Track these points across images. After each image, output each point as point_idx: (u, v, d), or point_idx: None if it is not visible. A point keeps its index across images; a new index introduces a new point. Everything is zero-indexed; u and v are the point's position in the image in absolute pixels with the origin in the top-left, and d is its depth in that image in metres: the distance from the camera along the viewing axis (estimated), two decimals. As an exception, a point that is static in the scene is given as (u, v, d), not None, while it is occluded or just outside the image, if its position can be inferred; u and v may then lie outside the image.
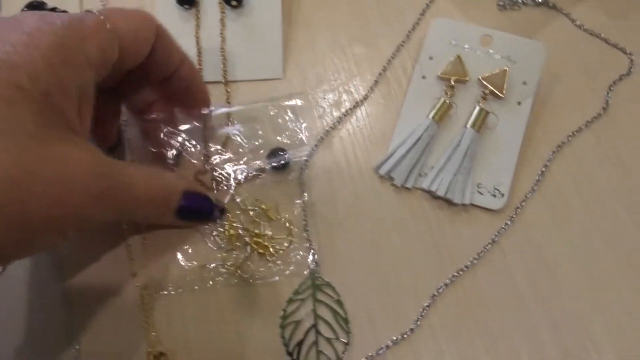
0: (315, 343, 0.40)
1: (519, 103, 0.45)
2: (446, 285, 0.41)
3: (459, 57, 0.46)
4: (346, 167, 0.45)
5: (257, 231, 0.42)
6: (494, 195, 0.43)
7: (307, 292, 0.41)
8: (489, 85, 0.45)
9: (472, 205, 0.43)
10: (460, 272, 0.41)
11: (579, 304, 0.40)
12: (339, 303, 0.41)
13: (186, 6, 0.51)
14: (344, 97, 0.48)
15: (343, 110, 0.47)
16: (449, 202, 0.43)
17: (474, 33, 0.47)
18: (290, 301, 0.41)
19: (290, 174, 0.45)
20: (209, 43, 0.50)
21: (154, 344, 0.40)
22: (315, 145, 0.46)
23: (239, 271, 0.42)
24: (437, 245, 0.42)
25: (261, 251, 0.42)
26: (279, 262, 0.42)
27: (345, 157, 0.46)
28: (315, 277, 0.42)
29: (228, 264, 0.42)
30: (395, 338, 0.40)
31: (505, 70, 0.45)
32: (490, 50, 0.46)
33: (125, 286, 0.42)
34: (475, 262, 0.41)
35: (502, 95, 0.44)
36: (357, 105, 0.47)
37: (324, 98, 0.48)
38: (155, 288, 0.42)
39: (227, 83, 0.49)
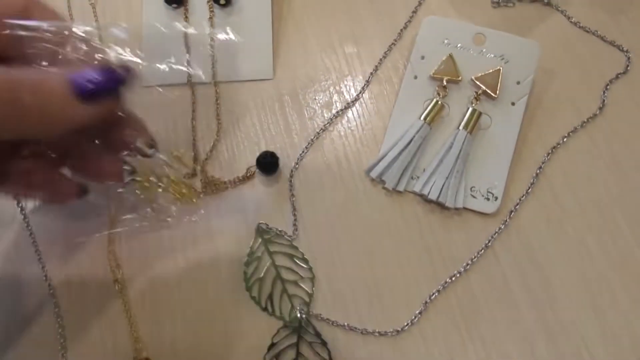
0: (284, 290, 0.41)
1: (512, 103, 0.44)
2: (438, 291, 0.40)
3: (451, 56, 0.45)
4: (337, 170, 0.44)
5: (172, 177, 0.41)
6: (487, 199, 0.42)
7: (260, 248, 0.42)
8: (482, 86, 0.44)
9: (465, 209, 0.42)
10: (453, 278, 0.40)
11: (574, 309, 0.40)
12: (292, 247, 0.42)
13: (174, 5, 0.50)
14: (335, 97, 0.47)
15: (334, 111, 0.46)
16: (442, 206, 0.42)
17: (466, 31, 0.46)
18: (247, 263, 0.41)
19: (279, 177, 0.44)
20: (197, 43, 0.49)
21: (139, 350, 0.40)
22: (306, 147, 0.45)
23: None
24: (429, 251, 0.41)
25: (178, 196, 0.41)
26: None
27: (336, 160, 0.45)
28: (263, 232, 0.42)
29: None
30: (386, 345, 0.39)
31: (498, 70, 0.44)
32: (483, 49, 0.45)
33: (110, 294, 0.41)
34: (468, 267, 0.41)
35: (496, 96, 0.44)
36: (348, 106, 0.47)
37: (315, 99, 0.47)
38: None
39: (216, 84, 0.48)
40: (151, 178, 0.40)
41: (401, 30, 0.49)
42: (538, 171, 0.43)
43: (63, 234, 0.43)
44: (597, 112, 0.45)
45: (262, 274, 0.41)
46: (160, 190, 0.40)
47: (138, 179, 0.39)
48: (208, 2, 0.50)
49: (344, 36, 0.49)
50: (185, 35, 0.49)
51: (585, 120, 0.45)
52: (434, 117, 0.43)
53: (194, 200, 0.42)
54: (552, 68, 0.47)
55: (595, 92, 0.46)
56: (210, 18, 0.50)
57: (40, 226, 0.44)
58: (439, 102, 0.44)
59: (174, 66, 0.49)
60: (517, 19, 0.49)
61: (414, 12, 0.50)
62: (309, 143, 0.45)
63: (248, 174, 0.44)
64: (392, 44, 0.49)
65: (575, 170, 0.43)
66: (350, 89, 0.47)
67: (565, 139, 0.44)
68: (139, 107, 0.46)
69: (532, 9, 0.50)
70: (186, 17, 0.50)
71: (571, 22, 0.49)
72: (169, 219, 0.41)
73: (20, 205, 0.44)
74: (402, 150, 0.42)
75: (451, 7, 0.50)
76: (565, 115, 0.45)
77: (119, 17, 0.51)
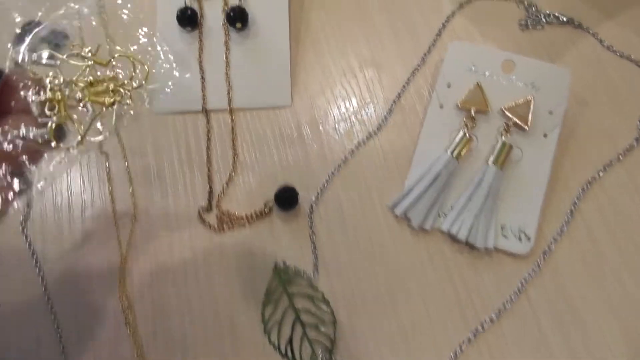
0: (304, 334, 0.39)
1: (545, 135, 0.42)
2: (469, 340, 0.38)
3: (479, 85, 0.43)
4: (359, 205, 0.42)
5: (89, 79, 0.31)
6: (520, 239, 0.40)
7: (278, 289, 0.40)
8: (512, 117, 0.42)
9: (496, 249, 0.40)
10: (484, 326, 0.38)
11: (612, 358, 0.37)
12: (312, 287, 0.40)
13: (188, 28, 0.48)
14: (357, 126, 0.45)
15: (355, 141, 0.44)
16: (470, 246, 0.40)
17: (494, 58, 0.44)
18: (265, 304, 0.39)
19: (299, 212, 0.42)
20: (212, 67, 0.47)
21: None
22: (326, 181, 0.43)
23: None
24: (458, 295, 0.39)
25: (108, 100, 0.31)
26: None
27: (358, 194, 0.43)
28: (281, 272, 0.40)
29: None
30: (413, 397, 0.37)
31: (529, 101, 0.42)
32: (513, 77, 0.43)
33: (121, 337, 0.39)
34: (500, 313, 0.38)
35: (527, 128, 0.41)
36: (370, 136, 0.44)
37: (335, 128, 0.45)
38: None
39: (232, 111, 0.46)
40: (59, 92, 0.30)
41: (424, 54, 0.47)
42: (572, 208, 0.41)
43: (72, 271, 0.41)
44: (634, 144, 0.43)
45: (281, 317, 0.39)
46: (79, 102, 0.30)
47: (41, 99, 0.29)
48: (223, 25, 0.48)
49: (364, 60, 0.47)
50: (200, 59, 0.47)
51: (621, 152, 0.42)
52: (462, 150, 0.41)
53: (129, 94, 0.32)
54: (584, 96, 0.44)
55: (631, 121, 0.44)
56: (226, 42, 0.48)
57: (49, 263, 0.42)
58: (467, 135, 0.41)
59: (187, 92, 0.47)
60: (547, 42, 0.47)
61: (438, 35, 0.48)
62: (329, 176, 0.43)
63: (266, 209, 0.42)
64: (416, 69, 0.46)
65: (612, 207, 0.41)
66: (372, 117, 0.45)
67: (600, 173, 0.42)
68: (150, 135, 0.45)
69: (562, 32, 0.47)
70: (200, 40, 0.48)
71: (604, 46, 0.46)
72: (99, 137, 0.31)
73: (27, 239, 0.42)
74: (429, 186, 0.40)
75: (476, 30, 0.48)
76: (600, 147, 0.43)
77: (131, 40, 0.49)
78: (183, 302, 0.40)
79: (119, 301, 0.40)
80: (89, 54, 0.32)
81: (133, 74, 0.32)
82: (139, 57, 0.33)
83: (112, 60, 0.32)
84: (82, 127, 0.30)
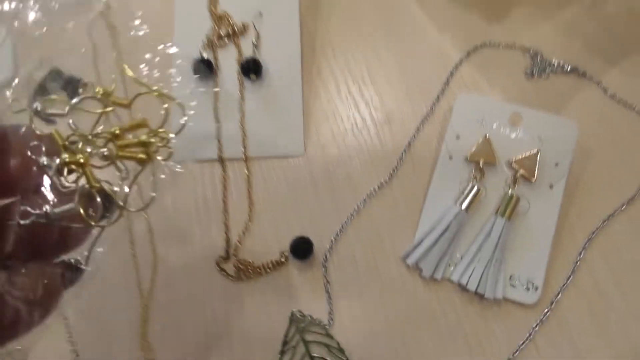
0: None
1: (550, 186, 0.43)
2: (480, 391, 0.39)
3: (487, 139, 0.44)
4: (372, 254, 0.44)
5: (115, 131, 0.25)
6: (528, 289, 0.41)
7: (295, 338, 0.41)
8: (519, 169, 0.43)
9: (505, 299, 0.41)
10: (495, 376, 0.39)
11: (621, 408, 0.38)
12: (328, 336, 0.41)
13: (203, 77, 0.49)
14: (368, 176, 0.46)
15: (367, 191, 0.46)
16: (480, 295, 0.41)
17: (502, 110, 0.45)
18: (282, 353, 0.40)
19: (313, 261, 0.44)
20: (227, 117, 0.49)
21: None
22: (339, 230, 0.44)
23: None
24: (469, 345, 0.40)
25: (142, 155, 0.25)
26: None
27: (371, 243, 0.44)
28: (297, 321, 0.41)
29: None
30: None
31: (536, 154, 0.43)
32: (520, 130, 0.45)
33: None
34: (510, 363, 0.40)
35: (534, 180, 0.43)
36: (381, 185, 0.46)
37: (347, 177, 0.46)
38: None
39: (247, 160, 0.48)
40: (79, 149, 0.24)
41: (433, 103, 0.48)
42: (579, 257, 0.42)
43: (94, 320, 0.43)
44: (639, 193, 0.44)
45: (298, 367, 0.40)
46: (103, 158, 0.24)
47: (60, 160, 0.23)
48: (238, 75, 0.50)
49: (374, 107, 0.48)
50: (215, 109, 0.49)
51: (626, 202, 0.44)
52: (471, 202, 0.42)
53: (167, 147, 0.26)
54: (589, 146, 0.46)
55: (635, 171, 0.45)
56: (240, 92, 0.49)
57: (69, 310, 0.43)
58: (476, 187, 0.43)
59: (203, 140, 0.49)
60: (552, 92, 0.48)
61: (446, 83, 0.49)
62: (342, 226, 0.44)
63: (282, 259, 0.43)
64: (425, 118, 0.48)
65: (618, 256, 0.42)
66: (383, 166, 0.46)
67: (605, 223, 0.43)
68: (165, 185, 0.47)
69: (567, 81, 0.49)
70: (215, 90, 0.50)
71: (607, 95, 0.48)
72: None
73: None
74: (439, 237, 0.42)
75: (483, 78, 0.49)
76: (605, 197, 0.44)
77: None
78: (202, 353, 0.41)
79: (140, 351, 0.42)
80: (104, 96, 0.25)
81: (164, 114, 0.26)
82: (169, 94, 0.26)
83: (135, 99, 0.26)
84: (123, 191, 0.24)
